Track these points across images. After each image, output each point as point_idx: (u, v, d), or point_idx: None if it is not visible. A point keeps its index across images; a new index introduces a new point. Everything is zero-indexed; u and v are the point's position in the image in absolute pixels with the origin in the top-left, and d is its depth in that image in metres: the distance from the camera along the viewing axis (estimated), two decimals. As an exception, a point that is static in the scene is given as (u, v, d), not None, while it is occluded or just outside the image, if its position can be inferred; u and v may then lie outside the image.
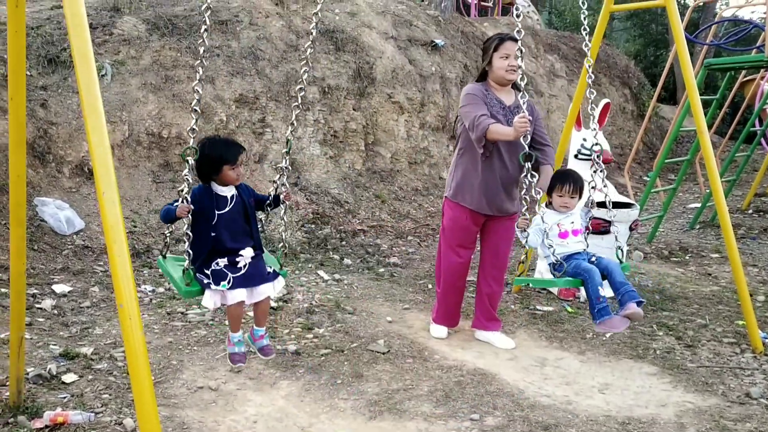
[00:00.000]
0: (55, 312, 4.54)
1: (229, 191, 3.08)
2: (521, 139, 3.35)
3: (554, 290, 5.40)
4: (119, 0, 7.83)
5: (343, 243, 6.88)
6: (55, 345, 3.97)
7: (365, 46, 8.86)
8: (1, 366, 3.57)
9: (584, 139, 5.50)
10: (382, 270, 6.17)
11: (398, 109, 8.89)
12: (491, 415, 3.37)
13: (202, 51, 2.89)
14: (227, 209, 3.07)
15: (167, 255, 3.20)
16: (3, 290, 4.58)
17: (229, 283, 2.97)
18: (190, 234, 2.88)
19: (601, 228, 5.16)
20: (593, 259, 3.46)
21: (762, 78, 9.89)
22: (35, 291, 4.79)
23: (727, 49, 10.56)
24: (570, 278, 3.34)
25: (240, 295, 3.01)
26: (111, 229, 1.86)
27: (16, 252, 2.97)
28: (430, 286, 5.67)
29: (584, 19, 3.72)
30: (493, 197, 4.06)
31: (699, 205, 8.72)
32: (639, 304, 3.26)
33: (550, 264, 3.41)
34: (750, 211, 9.42)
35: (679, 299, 5.33)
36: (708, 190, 6.60)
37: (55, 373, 3.57)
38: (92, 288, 5.03)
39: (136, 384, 1.89)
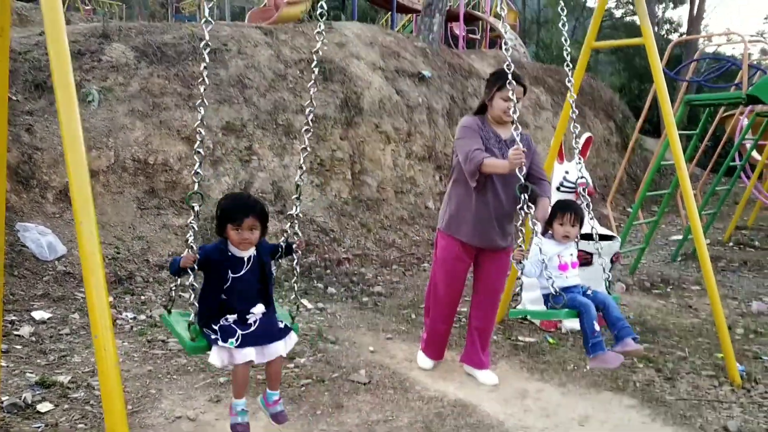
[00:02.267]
0: (33, 339, 4.50)
1: (246, 253, 2.89)
2: (516, 170, 3.38)
3: (536, 321, 5.43)
4: (108, 27, 7.89)
5: (328, 271, 6.88)
6: (31, 373, 3.93)
7: (353, 76, 8.96)
8: (-24, 394, 3.53)
9: (566, 172, 5.57)
10: (366, 299, 6.17)
11: (385, 138, 8.97)
12: (470, 448, 3.36)
13: (203, 89, 2.83)
14: (243, 272, 2.87)
15: (172, 310, 3.02)
16: (-19, 316, 4.54)
17: (237, 340, 2.74)
18: (196, 285, 2.73)
19: (583, 260, 5.21)
20: (589, 292, 3.51)
21: (741, 114, 10.08)
22: (14, 317, 4.75)
23: (707, 85, 10.76)
24: (569, 310, 3.34)
25: (249, 354, 2.77)
26: (88, 259, 1.87)
27: (-5, 278, 2.97)
28: (413, 315, 5.67)
29: (567, 55, 3.83)
30: (486, 231, 4.03)
31: (681, 237, 8.81)
32: (634, 340, 3.33)
33: (546, 295, 3.42)
34: (731, 244, 9.53)
35: (659, 331, 5.36)
36: (689, 223, 6.69)
37: (30, 401, 3.53)
38: (72, 315, 5.00)
39: (109, 415, 1.88)
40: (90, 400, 3.65)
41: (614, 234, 5.69)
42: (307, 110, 3.28)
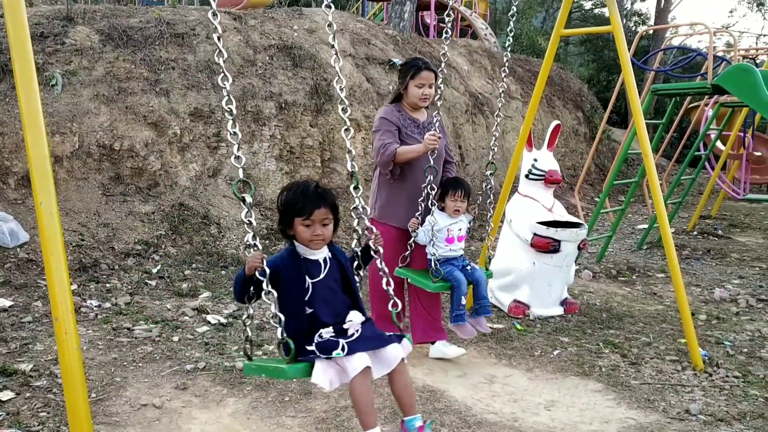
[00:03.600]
0: (-5, 327, 4.41)
1: (320, 254, 2.49)
2: (429, 154, 3.83)
3: (504, 308, 5.47)
4: (72, 9, 7.71)
5: (297, 259, 6.84)
6: (-8, 361, 3.85)
7: (323, 63, 8.89)
8: (-66, 383, 3.44)
9: (535, 159, 5.61)
10: (335, 287, 6.15)
11: (355, 126, 8.92)
12: (438, 432, 3.37)
13: (221, 62, 2.39)
14: (322, 276, 2.46)
15: (253, 356, 2.52)
16: (-61, 304, 4.43)
17: (343, 350, 2.27)
18: (274, 292, 2.30)
19: (550, 247, 5.26)
20: (468, 267, 4.08)
21: (706, 104, 10.25)
22: (-26, 305, 4.64)
23: (673, 75, 10.91)
24: (443, 283, 3.94)
25: (362, 358, 2.28)
26: (49, 241, 1.83)
27: (-48, 264, 2.89)
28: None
29: (510, 32, 3.97)
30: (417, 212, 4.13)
31: (647, 226, 8.94)
32: (486, 318, 4.15)
33: (430, 260, 3.94)
34: (695, 233, 9.71)
35: (625, 318, 5.44)
36: (655, 212, 6.81)
37: (-9, 390, 3.46)
38: (35, 302, 4.90)
39: (71, 401, 1.85)
40: (53, 389, 3.59)
41: (581, 222, 5.75)
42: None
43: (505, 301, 5.51)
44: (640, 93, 7.03)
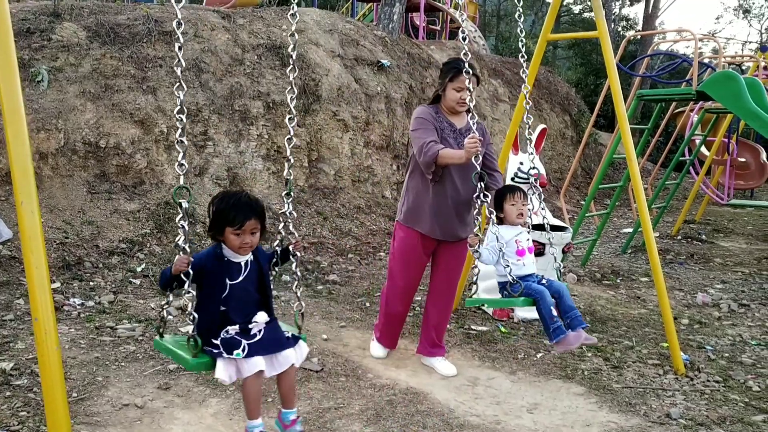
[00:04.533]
0: (-24, 325, 4.37)
1: (242, 258, 2.66)
2: (473, 159, 3.43)
3: (489, 310, 5.49)
4: (59, 5, 7.66)
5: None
6: (-28, 359, 3.81)
7: (311, 63, 8.89)
8: None
9: (521, 163, 5.63)
10: (320, 287, 6.15)
11: (343, 126, 8.93)
12: (420, 435, 3.38)
13: (177, 89, 2.48)
14: (241, 279, 2.65)
15: (165, 333, 2.71)
16: None
17: (243, 350, 2.50)
18: (192, 292, 2.51)
19: (536, 250, 5.28)
20: (543, 281, 3.57)
21: (691, 110, 10.33)
22: (-45, 302, 4.60)
23: (659, 81, 10.99)
24: (525, 298, 3.43)
25: (258, 363, 2.52)
26: (29, 239, 1.81)
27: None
28: (368, 304, 5.68)
29: (522, 47, 3.88)
30: (445, 222, 4.01)
31: (631, 230, 9.00)
32: (584, 329, 3.47)
33: (502, 283, 3.50)
34: (679, 237, 9.78)
35: (608, 321, 5.48)
36: (639, 216, 6.86)
37: (-30, 388, 3.43)
38: (17, 300, 4.86)
39: (49, 402, 1.83)
40: (33, 387, 3.56)
41: (567, 225, 5.78)
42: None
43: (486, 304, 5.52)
44: (626, 98, 7.08)
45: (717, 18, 67.54)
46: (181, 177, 2.48)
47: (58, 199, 6.23)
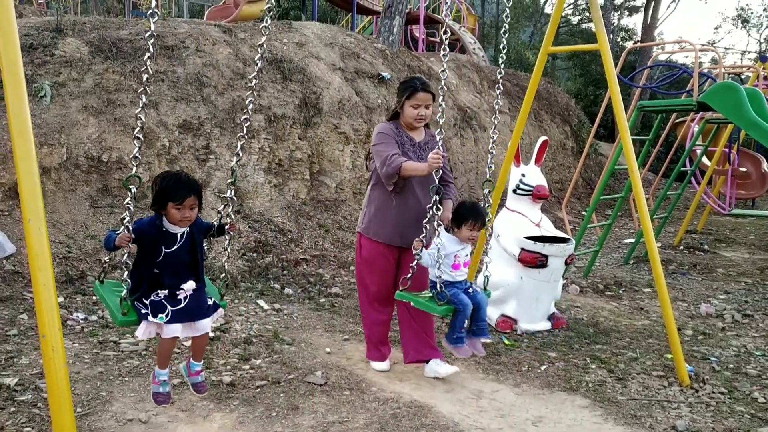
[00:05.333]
0: (-21, 340, 4.36)
1: (179, 229, 3.03)
2: (433, 173, 3.74)
3: (492, 323, 5.48)
4: (62, 21, 7.70)
5: (285, 272, 6.84)
6: (-24, 375, 3.81)
7: (312, 76, 8.92)
8: None
9: (523, 174, 5.64)
10: (323, 300, 6.15)
11: (344, 139, 8.95)
12: (426, 448, 3.37)
13: (145, 78, 2.82)
14: (175, 248, 3.02)
15: (105, 280, 3.16)
16: (-77, 317, 4.38)
17: (167, 316, 2.93)
18: (129, 263, 2.87)
19: (538, 262, 5.29)
20: (470, 290, 3.98)
21: (692, 120, 10.36)
22: (-42, 318, 4.60)
23: (660, 92, 11.03)
24: (448, 306, 3.80)
25: (176, 330, 2.97)
26: (36, 257, 1.82)
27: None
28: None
29: (503, 48, 4.03)
30: (407, 230, 4.10)
31: (633, 240, 9.00)
32: (483, 342, 4.10)
33: (434, 283, 3.83)
34: (681, 248, 9.78)
35: (612, 333, 5.47)
36: (641, 227, 6.87)
37: (-26, 405, 3.42)
38: (20, 315, 4.86)
39: (57, 417, 1.83)
40: (38, 403, 3.55)
41: (569, 236, 5.79)
42: (248, 100, 3.43)
43: (492, 316, 5.51)
44: (626, 108, 7.10)
45: (716, 28, 67.92)
46: (134, 168, 2.84)
47: (60, 214, 6.25)
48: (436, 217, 3.75)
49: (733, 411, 3.94)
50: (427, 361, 4.37)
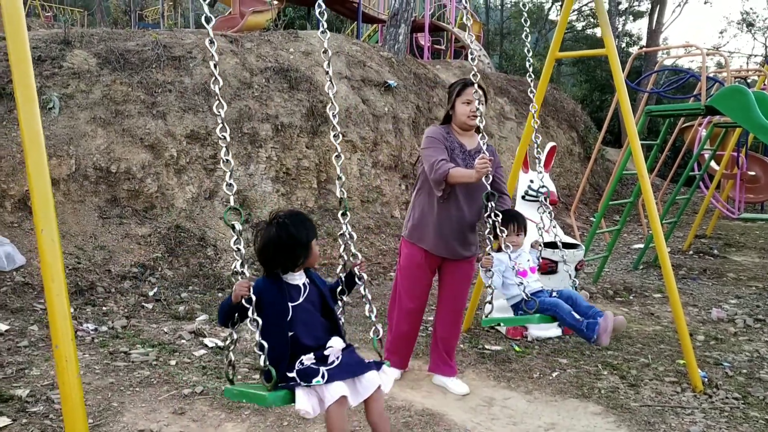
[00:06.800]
0: (-10, 352, 4.37)
1: (299, 279, 2.61)
2: (483, 179, 3.47)
3: (503, 330, 5.46)
4: (70, 33, 7.75)
5: (294, 281, 6.82)
6: (-12, 387, 3.81)
7: (319, 84, 8.94)
8: (-71, 409, 3.41)
9: (531, 181, 5.63)
10: (332, 308, 6.12)
11: (351, 147, 8.96)
12: (438, 457, 3.35)
13: (219, 124, 2.40)
14: (301, 300, 2.56)
15: (234, 379, 2.53)
16: (-66, 329, 4.39)
17: (323, 377, 2.35)
18: (258, 320, 2.38)
19: (548, 268, 5.27)
20: (554, 294, 3.63)
21: (700, 125, 10.32)
22: (-31, 330, 4.61)
23: (666, 96, 11.00)
24: (541, 315, 3.46)
25: (340, 388, 2.37)
26: (49, 267, 1.82)
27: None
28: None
29: (530, 66, 3.91)
30: (448, 240, 4.02)
31: (642, 245, 8.96)
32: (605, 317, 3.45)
33: (517, 302, 3.54)
34: (690, 252, 9.73)
35: (623, 339, 5.43)
36: (650, 232, 6.84)
37: (-14, 416, 3.43)
38: (31, 326, 4.87)
39: (70, 429, 1.83)
40: (49, 414, 3.55)
41: (578, 242, 5.76)
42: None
43: (503, 323, 5.48)
44: (633, 114, 7.08)
45: (721, 32, 67.90)
46: (231, 198, 2.39)
47: (70, 225, 6.26)
48: (497, 225, 3.47)
49: (748, 416, 3.90)
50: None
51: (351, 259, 2.72)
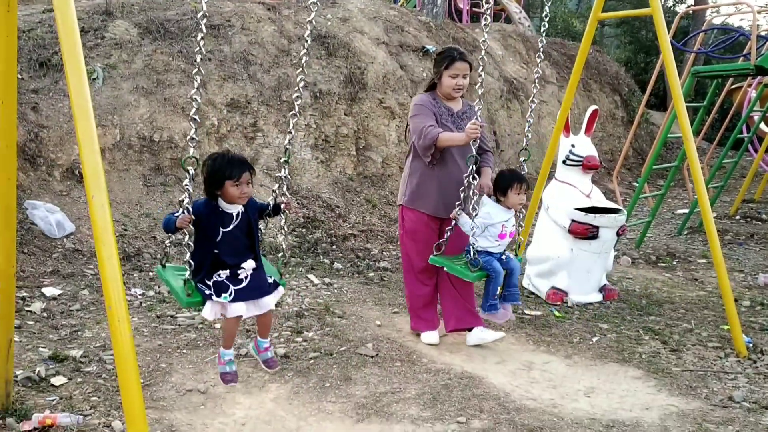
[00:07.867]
0: (45, 315, 4.55)
1: (234, 208, 3.08)
2: (471, 143, 3.80)
3: (542, 294, 5.46)
4: (111, 4, 7.85)
5: (334, 247, 6.91)
6: (44, 348, 3.98)
7: (357, 51, 8.91)
8: (-10, 368, 3.58)
9: (572, 145, 5.55)
10: (372, 274, 6.20)
11: (389, 114, 8.94)
12: (477, 418, 3.40)
13: (199, 59, 2.93)
14: (232, 227, 3.06)
15: (166, 264, 3.24)
16: (-8, 293, 4.58)
17: (230, 295, 2.99)
18: (191, 244, 2.92)
19: (588, 233, 5.22)
20: (504, 257, 4.05)
21: (749, 86, 10.00)
22: (25, 294, 4.80)
23: (715, 57, 10.65)
24: (480, 273, 3.92)
25: (240, 309, 3.03)
26: (100, 232, 1.89)
27: (6, 255, 2.99)
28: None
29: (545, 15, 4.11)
30: (450, 200, 4.10)
31: (687, 210, 8.79)
32: (514, 306, 4.30)
33: (468, 248, 3.91)
34: (737, 217, 9.51)
35: (665, 304, 5.38)
36: (695, 196, 6.71)
37: (44, 375, 3.59)
38: (82, 291, 5.05)
39: (125, 386, 1.92)
40: (102, 374, 3.71)
41: (620, 207, 5.69)
42: (298, 78, 3.27)
43: (542, 288, 5.49)
44: (680, 75, 6.90)
45: (773, -11, 64.96)
46: (191, 149, 2.84)
47: (116, 193, 6.42)
48: (472, 186, 3.83)
49: (793, 382, 3.85)
50: (469, 329, 4.39)
51: (283, 198, 3.24)
